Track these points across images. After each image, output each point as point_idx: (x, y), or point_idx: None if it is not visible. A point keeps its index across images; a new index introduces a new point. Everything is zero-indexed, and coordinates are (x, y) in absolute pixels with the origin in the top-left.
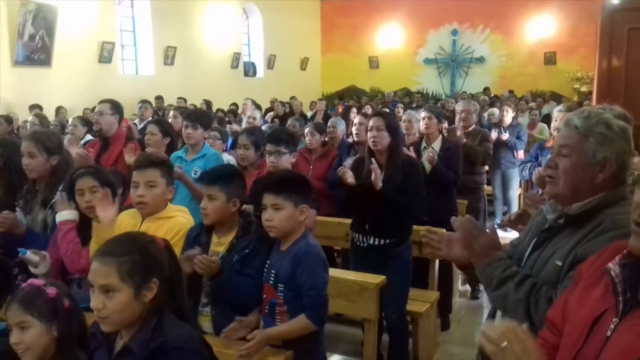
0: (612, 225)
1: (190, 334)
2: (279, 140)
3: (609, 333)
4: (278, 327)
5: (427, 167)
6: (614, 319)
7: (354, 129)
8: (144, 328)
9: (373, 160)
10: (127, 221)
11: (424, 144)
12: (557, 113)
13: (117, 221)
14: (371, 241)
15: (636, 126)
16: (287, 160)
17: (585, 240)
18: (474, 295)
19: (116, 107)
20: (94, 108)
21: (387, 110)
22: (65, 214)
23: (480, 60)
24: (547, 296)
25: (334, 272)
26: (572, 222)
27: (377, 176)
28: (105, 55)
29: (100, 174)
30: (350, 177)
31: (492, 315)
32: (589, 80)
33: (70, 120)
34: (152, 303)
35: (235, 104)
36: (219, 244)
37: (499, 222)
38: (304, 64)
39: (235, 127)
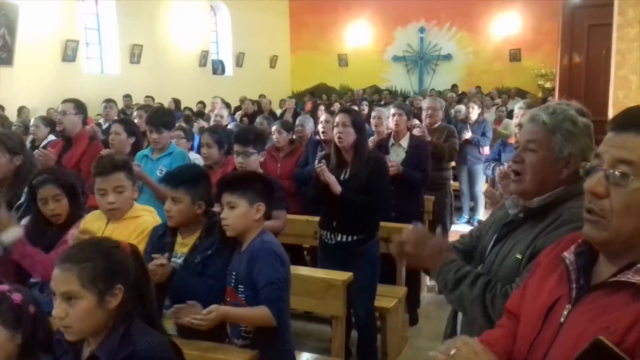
0: (569, 218)
1: (160, 342)
2: (246, 140)
3: (562, 319)
4: (237, 309)
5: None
6: (567, 306)
7: (320, 127)
8: (112, 336)
9: (323, 163)
10: (93, 223)
11: (392, 141)
12: (518, 110)
13: (82, 224)
14: (339, 238)
15: (594, 121)
16: (255, 161)
17: (544, 233)
18: None
19: (80, 107)
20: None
21: (356, 107)
22: (10, 236)
23: (448, 57)
24: (503, 292)
25: (301, 270)
26: (532, 216)
27: (331, 184)
28: (69, 53)
29: (60, 178)
30: (329, 177)
31: (452, 320)
32: (552, 76)
33: (32, 121)
34: (119, 310)
35: (202, 102)
36: (183, 245)
37: (465, 217)
38: (273, 61)
39: (202, 122)
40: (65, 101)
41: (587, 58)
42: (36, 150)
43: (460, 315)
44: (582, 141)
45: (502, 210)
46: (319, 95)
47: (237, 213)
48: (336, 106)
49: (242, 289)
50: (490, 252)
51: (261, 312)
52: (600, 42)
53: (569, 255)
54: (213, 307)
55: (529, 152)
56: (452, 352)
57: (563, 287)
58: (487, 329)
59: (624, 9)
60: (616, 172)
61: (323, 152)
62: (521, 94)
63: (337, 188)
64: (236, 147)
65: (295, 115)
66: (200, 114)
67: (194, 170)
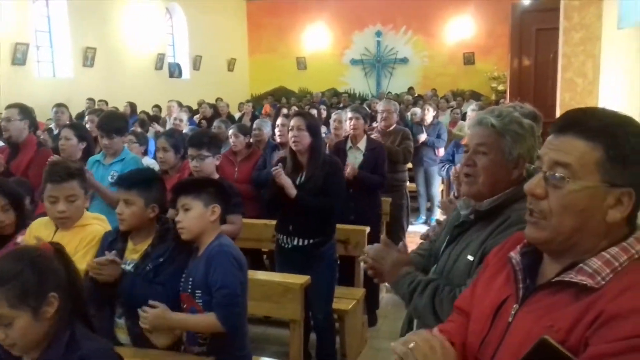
0: (517, 220)
1: (106, 347)
2: (200, 143)
3: (510, 319)
4: (181, 314)
5: (352, 166)
6: (514, 305)
7: (277, 130)
8: (56, 343)
9: (280, 166)
10: (40, 230)
11: (349, 144)
12: (471, 112)
13: (29, 231)
14: (295, 242)
15: (545, 123)
16: (210, 164)
17: (494, 234)
18: None
19: (25, 112)
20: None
21: (313, 110)
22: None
23: (404, 61)
24: (451, 295)
25: (258, 274)
26: (483, 217)
27: (287, 187)
28: (19, 57)
29: (4, 188)
30: (285, 181)
31: (407, 323)
32: (505, 79)
33: None
34: (58, 315)
35: (158, 106)
36: (134, 251)
37: (422, 217)
38: (231, 64)
39: (157, 127)
40: (9, 107)
41: (536, 61)
42: None
43: (415, 324)
44: (528, 142)
45: (454, 212)
46: (278, 98)
47: (192, 215)
48: (293, 109)
49: (199, 294)
50: (442, 253)
51: (207, 319)
52: (548, 46)
53: (515, 255)
54: (158, 305)
55: (480, 155)
56: (411, 345)
57: (510, 286)
58: None
59: (569, 14)
60: (555, 174)
61: (279, 156)
62: (475, 96)
63: (293, 191)
64: (190, 151)
65: (254, 118)
66: (156, 118)
67: (147, 173)
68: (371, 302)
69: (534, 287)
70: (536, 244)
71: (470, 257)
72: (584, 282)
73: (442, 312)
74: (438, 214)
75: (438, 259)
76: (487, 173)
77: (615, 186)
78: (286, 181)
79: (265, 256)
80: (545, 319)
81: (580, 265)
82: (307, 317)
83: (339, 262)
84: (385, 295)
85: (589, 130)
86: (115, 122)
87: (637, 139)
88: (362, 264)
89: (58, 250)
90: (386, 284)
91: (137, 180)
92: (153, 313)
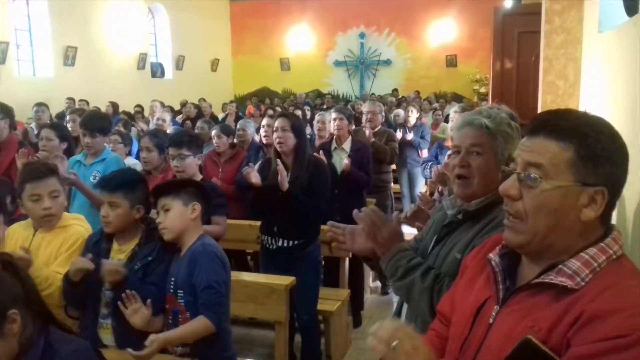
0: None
1: (84, 347)
2: (180, 143)
3: (491, 320)
4: (175, 330)
5: (339, 168)
6: (495, 307)
7: (262, 131)
8: (32, 352)
9: (278, 161)
10: (19, 233)
11: (334, 145)
12: (453, 114)
13: (7, 235)
14: (280, 243)
15: (522, 124)
16: (192, 163)
17: (482, 233)
18: (385, 291)
19: (5, 111)
20: None
21: (298, 111)
22: None
23: (387, 62)
24: (449, 286)
25: (243, 275)
26: (470, 217)
27: (282, 177)
28: None
29: None
30: (255, 177)
31: (397, 313)
32: (486, 82)
33: None
34: (24, 328)
35: (140, 106)
36: (120, 252)
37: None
38: (214, 65)
39: (142, 125)
40: None
41: (518, 64)
42: None
43: (404, 313)
44: (516, 143)
45: (441, 212)
46: (262, 99)
47: (172, 214)
48: (277, 110)
49: (182, 294)
50: (430, 253)
51: (200, 324)
52: (530, 49)
53: (494, 256)
54: (152, 337)
55: (474, 156)
56: (394, 344)
57: (490, 288)
58: (429, 324)
59: (550, 17)
60: (528, 175)
61: (265, 157)
62: (457, 98)
63: (285, 184)
64: (171, 151)
65: (237, 119)
66: (138, 116)
67: (130, 174)
68: (356, 303)
69: (514, 289)
70: (515, 248)
71: (457, 255)
72: (564, 284)
73: (438, 299)
74: None
75: (426, 257)
76: (481, 174)
77: (588, 185)
78: (282, 172)
79: (249, 257)
80: (526, 320)
81: (560, 266)
82: (291, 319)
83: (323, 263)
84: (370, 296)
85: (559, 131)
86: (98, 122)
87: (607, 138)
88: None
89: (7, 262)
90: (370, 284)
91: (122, 182)
92: (154, 347)
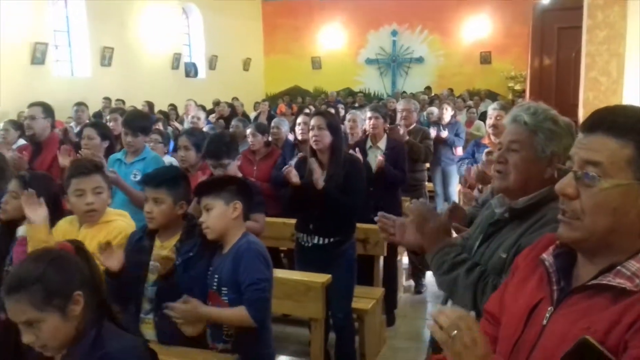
0: (553, 218)
1: (133, 345)
2: (218, 154)
3: (544, 322)
4: (214, 308)
5: (374, 166)
6: (549, 308)
7: (297, 129)
8: (83, 342)
9: (313, 159)
10: (65, 229)
11: (369, 143)
12: (492, 111)
13: (55, 230)
14: (315, 240)
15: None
16: (233, 168)
17: (529, 232)
18: (418, 290)
19: (48, 110)
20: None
21: (331, 109)
22: (22, 229)
23: (420, 60)
24: (493, 284)
25: (279, 272)
26: (518, 216)
27: (317, 175)
28: (38, 56)
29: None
30: (294, 177)
31: (444, 303)
32: (522, 79)
33: (1, 125)
34: (85, 313)
35: (173, 105)
36: (162, 248)
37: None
38: (246, 64)
39: (176, 124)
40: (32, 105)
41: (557, 60)
42: (9, 154)
43: (449, 304)
44: (564, 140)
45: (489, 210)
46: (293, 98)
47: (214, 214)
48: (310, 108)
49: (226, 292)
50: (476, 251)
51: (238, 312)
52: (570, 45)
53: (547, 257)
54: (193, 301)
55: (512, 153)
56: (454, 333)
57: (544, 289)
58: None
59: (593, 12)
60: (586, 173)
61: (300, 155)
62: (492, 96)
63: (321, 182)
64: (210, 162)
65: (270, 118)
66: (168, 117)
67: (173, 171)
68: (389, 302)
69: (569, 290)
70: (569, 243)
71: (503, 255)
72: (622, 286)
73: (483, 297)
74: None
75: (472, 256)
76: (517, 170)
77: None
78: (316, 171)
79: (282, 255)
80: (582, 322)
81: (618, 267)
82: (326, 317)
83: (357, 261)
84: (403, 295)
85: (618, 128)
86: (141, 121)
87: None
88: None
89: (79, 247)
90: (404, 282)
91: (166, 178)
92: (183, 308)
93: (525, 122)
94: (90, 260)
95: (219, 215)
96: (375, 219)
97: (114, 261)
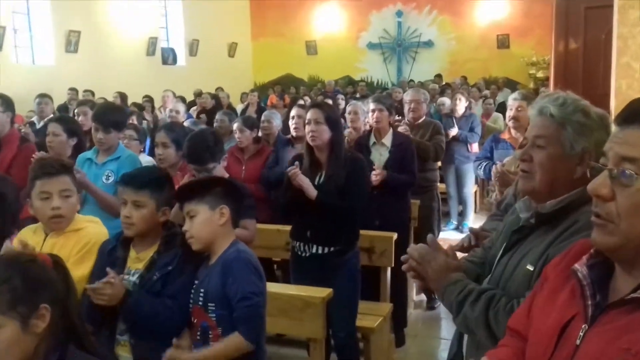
0: (587, 224)
1: None
2: (201, 160)
3: (578, 342)
4: (209, 349)
5: (377, 164)
6: (583, 326)
7: (291, 123)
8: None
9: (296, 166)
10: (29, 239)
11: (372, 139)
12: (512, 101)
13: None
14: (314, 250)
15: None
16: (219, 171)
17: (559, 240)
18: (431, 305)
19: (6, 103)
20: None
21: (329, 101)
22: None
23: (429, 44)
24: (507, 308)
25: (273, 287)
26: (546, 222)
27: (305, 187)
28: None
29: None
30: (302, 181)
31: (457, 341)
32: (545, 64)
33: None
34: (48, 332)
35: (149, 97)
36: (138, 260)
37: (453, 223)
38: (232, 50)
39: (157, 112)
40: None
41: (584, 44)
42: None
43: (466, 336)
44: (596, 135)
45: (513, 215)
46: (286, 87)
47: (198, 221)
48: (305, 100)
49: (213, 308)
50: (498, 262)
51: (235, 341)
52: (599, 26)
53: (580, 267)
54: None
55: (537, 149)
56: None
57: (577, 304)
58: None
59: None
60: (623, 171)
61: (296, 153)
62: (510, 84)
63: (312, 192)
64: (193, 167)
65: (259, 110)
66: (143, 109)
67: (157, 171)
68: (398, 319)
69: (606, 305)
70: (605, 250)
71: (529, 267)
72: None
73: (498, 326)
74: (471, 219)
75: (493, 268)
76: (544, 169)
77: None
78: (304, 181)
79: (275, 266)
80: (620, 341)
81: None
82: (327, 336)
83: (362, 273)
84: (414, 311)
85: None
86: (113, 115)
87: None
88: (401, 268)
89: (57, 263)
90: (414, 297)
91: (149, 180)
92: (171, 355)
93: (551, 115)
94: (68, 280)
95: (204, 222)
96: (403, 258)
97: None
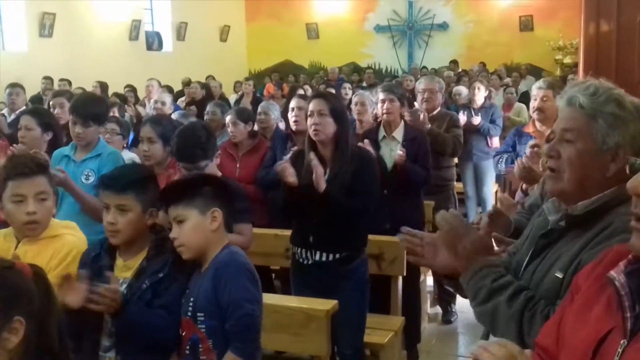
0: (623, 227)
1: None
2: (192, 157)
3: (617, 358)
4: None
5: (389, 163)
6: (621, 341)
7: (291, 115)
8: None
9: (313, 154)
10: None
11: (382, 133)
12: (537, 90)
13: None
14: (317, 257)
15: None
16: (212, 169)
17: (591, 245)
18: (447, 319)
19: None
20: None
21: (332, 90)
22: None
23: (443, 27)
24: (544, 313)
25: (271, 298)
26: (577, 224)
27: (318, 175)
28: None
29: None
30: (291, 175)
31: (485, 338)
32: (573, 49)
33: None
34: (22, 349)
35: (131, 87)
36: (126, 268)
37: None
38: (224, 33)
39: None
40: None
41: (618, 26)
42: None
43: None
44: (632, 127)
45: (540, 217)
46: (284, 75)
47: (187, 227)
48: (305, 89)
49: (202, 318)
50: (525, 269)
51: None
52: (635, 6)
53: (617, 275)
54: None
55: (565, 144)
56: None
57: (614, 316)
58: None
59: None
60: None
61: (295, 148)
62: (535, 71)
63: (323, 184)
64: (183, 165)
65: (256, 101)
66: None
67: (141, 170)
68: (411, 334)
69: None
70: None
71: (559, 275)
72: None
73: (530, 330)
74: None
75: (519, 276)
76: (573, 167)
77: None
78: (318, 169)
79: (274, 275)
80: None
81: None
82: (332, 353)
83: (370, 283)
84: (428, 325)
85: None
86: (94, 107)
87: None
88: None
89: (38, 274)
90: (428, 309)
91: (133, 180)
92: None
93: (581, 106)
94: (49, 293)
95: (193, 228)
96: (398, 237)
97: (75, 296)
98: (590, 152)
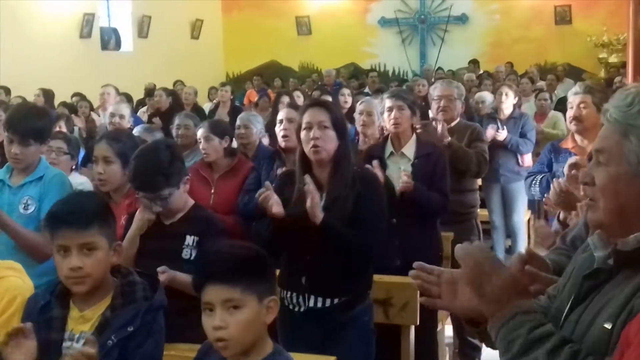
0: None
1: None
2: (153, 185)
3: None
4: None
5: (398, 185)
6: None
7: (279, 129)
8: None
9: (308, 177)
10: None
11: (389, 149)
12: (573, 96)
13: None
14: (311, 303)
15: None
16: (178, 198)
17: None
18: None
19: None
20: None
21: (328, 97)
22: None
23: (462, 19)
24: None
25: None
26: (629, 263)
27: (314, 203)
28: None
29: None
30: (276, 205)
31: None
32: (620, 46)
33: None
34: None
35: (79, 95)
36: (83, 320)
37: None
38: (195, 29)
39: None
40: None
41: None
42: None
43: None
44: None
45: (585, 254)
46: (269, 79)
47: (244, 318)
48: (296, 96)
49: None
50: (567, 317)
51: None
52: None
53: None
54: None
55: (599, 168)
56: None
57: None
58: None
59: None
60: None
61: (284, 169)
62: (574, 73)
63: (319, 213)
64: (144, 194)
65: (234, 111)
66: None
67: (97, 199)
68: None
69: None
70: None
71: (607, 326)
72: None
73: None
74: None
75: (560, 325)
76: (607, 195)
77: None
78: (314, 196)
79: None
80: None
81: None
82: None
83: (376, 334)
84: None
85: None
86: (34, 121)
87: None
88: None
89: None
90: None
91: (95, 212)
92: None
93: (615, 119)
94: None
95: (250, 322)
96: (410, 275)
97: (24, 354)
98: (624, 176)
